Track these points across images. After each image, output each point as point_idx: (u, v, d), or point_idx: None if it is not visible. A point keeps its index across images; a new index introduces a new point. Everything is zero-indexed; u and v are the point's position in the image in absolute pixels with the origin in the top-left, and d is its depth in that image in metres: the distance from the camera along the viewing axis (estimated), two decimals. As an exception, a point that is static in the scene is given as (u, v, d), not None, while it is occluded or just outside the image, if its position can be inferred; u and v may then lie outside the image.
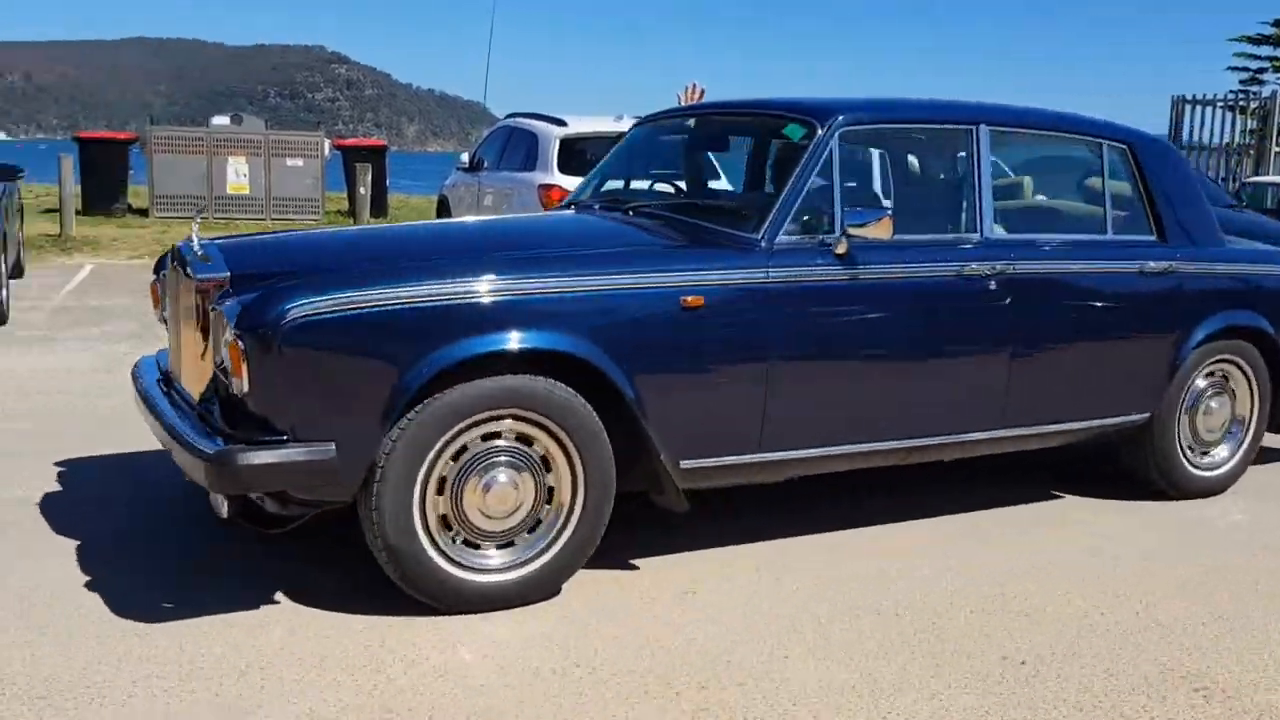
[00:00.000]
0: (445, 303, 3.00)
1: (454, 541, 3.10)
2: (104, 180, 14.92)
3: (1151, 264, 4.28)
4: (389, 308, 2.95)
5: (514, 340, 3.05)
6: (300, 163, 15.43)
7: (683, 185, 4.50)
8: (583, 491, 3.22)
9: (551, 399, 3.11)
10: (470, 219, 6.30)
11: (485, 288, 3.06)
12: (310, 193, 15.46)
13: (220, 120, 17.08)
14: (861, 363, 3.68)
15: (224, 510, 3.02)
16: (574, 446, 3.18)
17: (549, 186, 8.10)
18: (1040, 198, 4.65)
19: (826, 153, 3.67)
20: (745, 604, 3.29)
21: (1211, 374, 4.57)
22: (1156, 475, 4.50)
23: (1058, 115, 4.34)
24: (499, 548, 3.17)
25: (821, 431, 3.63)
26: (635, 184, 4.59)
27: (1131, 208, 4.46)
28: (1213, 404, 4.59)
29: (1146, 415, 4.37)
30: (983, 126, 3.99)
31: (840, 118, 3.71)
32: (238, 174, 15.16)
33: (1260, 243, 5.26)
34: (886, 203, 3.94)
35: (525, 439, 3.16)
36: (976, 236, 3.94)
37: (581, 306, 3.17)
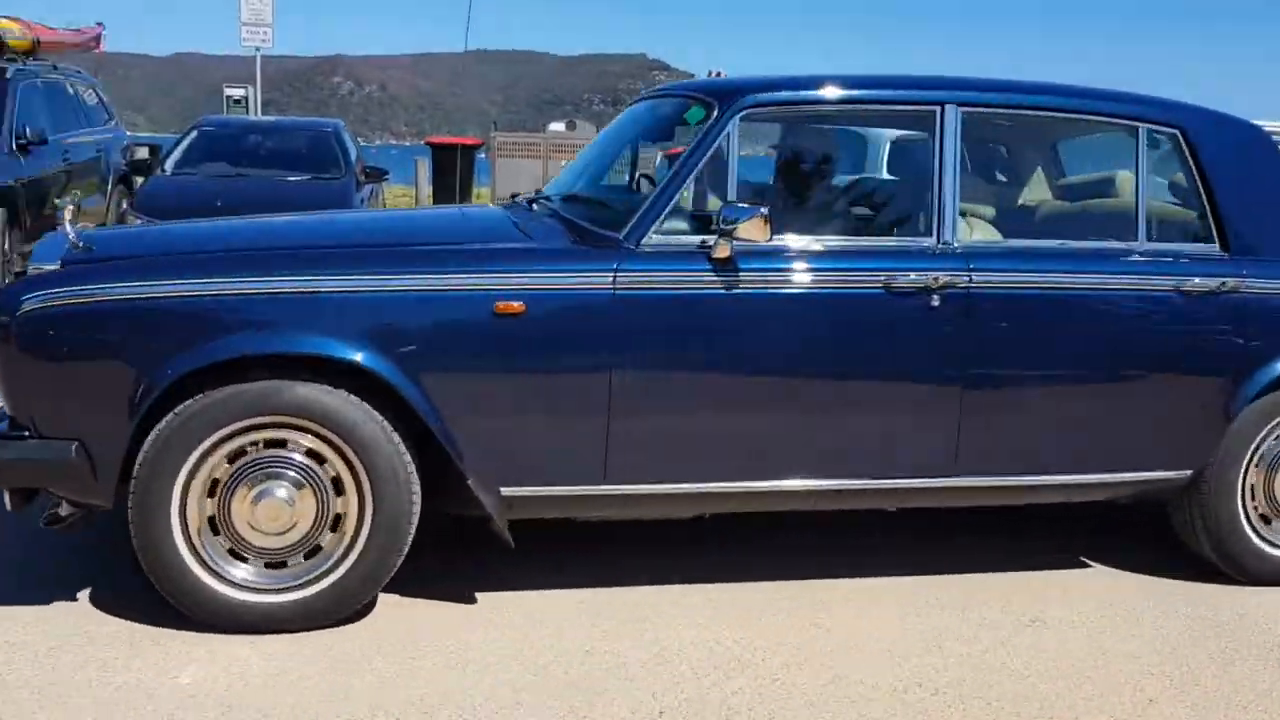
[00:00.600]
0: (197, 300, 2.79)
1: (218, 554, 2.87)
2: (452, 182, 15.86)
3: (1197, 280, 3.34)
4: (135, 302, 2.77)
5: (270, 343, 2.79)
6: None
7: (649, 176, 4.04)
8: (370, 515, 2.90)
9: (317, 407, 2.81)
10: (346, 212, 5.92)
11: (247, 285, 2.82)
12: None
13: (556, 126, 17.94)
14: (742, 388, 3.09)
15: (7, 502, 2.98)
16: (360, 464, 2.88)
17: None
18: (1048, 197, 3.77)
19: (720, 139, 3.13)
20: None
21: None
22: (1209, 549, 3.53)
23: (1073, 91, 3.46)
24: (269, 566, 2.92)
25: (690, 465, 3.09)
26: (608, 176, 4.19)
27: (1183, 209, 3.52)
28: (1304, 465, 3.54)
29: (1188, 473, 3.42)
30: (950, 108, 3.25)
31: (742, 99, 3.15)
32: None
33: None
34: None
35: (314, 455, 2.89)
36: (931, 242, 3.23)
37: (364, 309, 2.85)
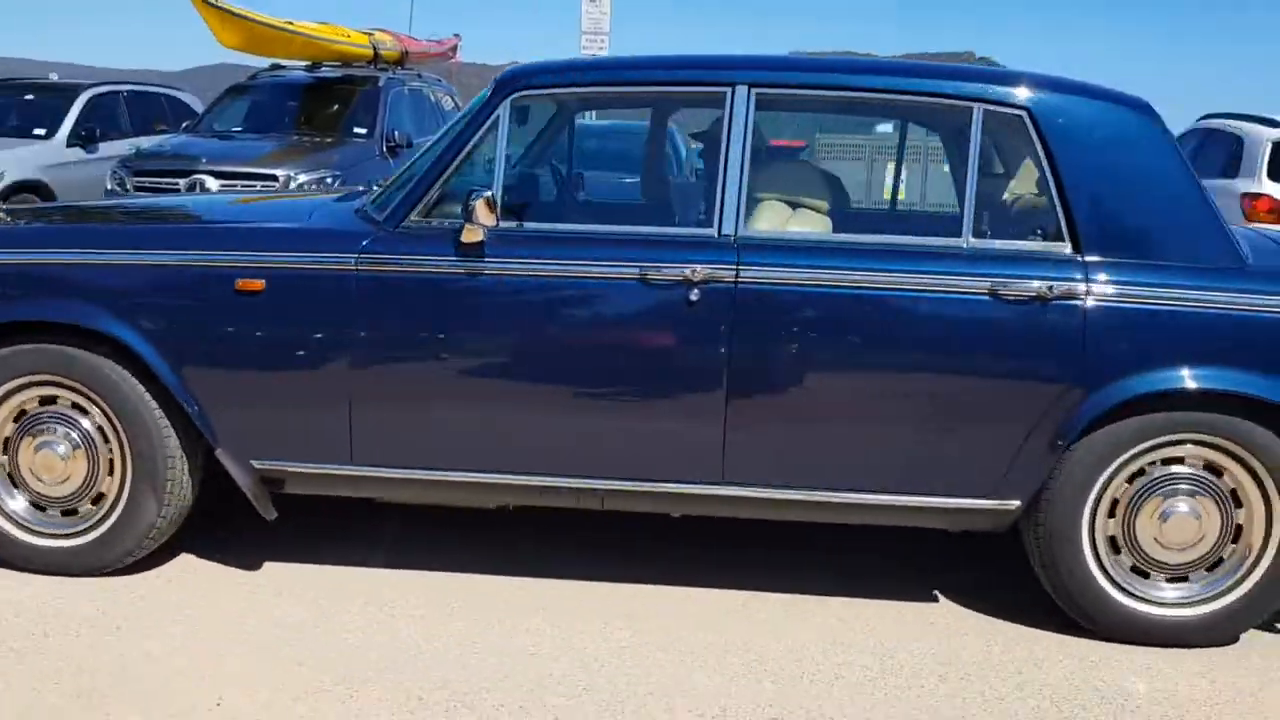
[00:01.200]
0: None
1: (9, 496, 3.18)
2: (770, 183, 16.36)
3: (1019, 284, 2.91)
4: None
5: (34, 311, 3.06)
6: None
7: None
8: (130, 474, 3.11)
9: (80, 370, 3.06)
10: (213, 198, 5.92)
11: (22, 258, 3.12)
12: None
13: (884, 128, 17.79)
14: (486, 378, 3.04)
15: None
16: (123, 431, 3.10)
17: (1255, 195, 7.25)
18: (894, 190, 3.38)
19: (488, 123, 3.08)
20: None
21: (1188, 460, 2.99)
22: (1055, 595, 3.07)
23: (895, 69, 3.11)
24: (40, 510, 3.18)
25: (437, 453, 3.07)
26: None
27: (1029, 203, 3.08)
28: (1180, 506, 2.99)
29: (1015, 504, 2.99)
30: (742, 89, 3.03)
31: (515, 82, 3.10)
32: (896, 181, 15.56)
33: None
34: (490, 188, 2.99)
35: (102, 431, 3.13)
36: (710, 232, 3.03)
37: (118, 283, 3.06)
